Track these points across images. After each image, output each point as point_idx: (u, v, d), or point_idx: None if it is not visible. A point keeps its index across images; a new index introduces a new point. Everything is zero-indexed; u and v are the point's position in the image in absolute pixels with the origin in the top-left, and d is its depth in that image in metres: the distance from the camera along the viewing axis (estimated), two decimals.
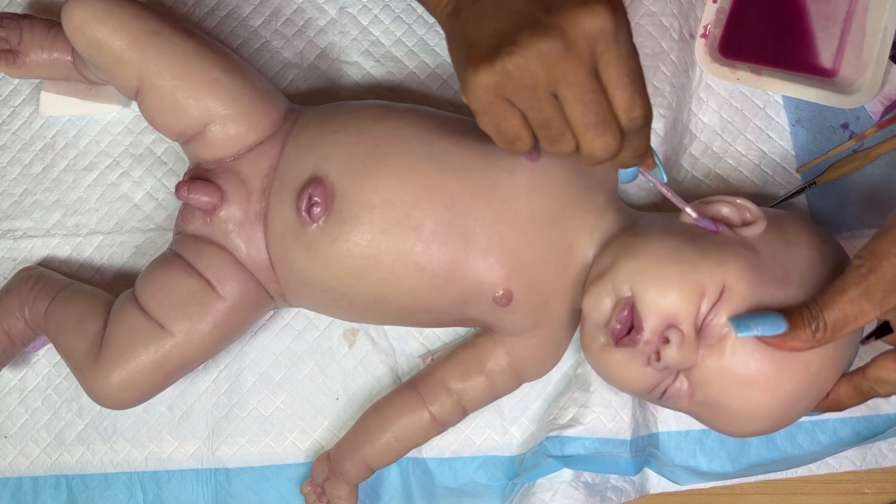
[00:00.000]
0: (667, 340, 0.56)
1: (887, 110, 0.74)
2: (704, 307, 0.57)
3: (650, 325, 0.57)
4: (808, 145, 0.75)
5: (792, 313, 0.54)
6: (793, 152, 0.75)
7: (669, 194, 0.60)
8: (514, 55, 0.47)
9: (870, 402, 0.71)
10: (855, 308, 0.52)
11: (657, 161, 0.56)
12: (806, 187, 0.74)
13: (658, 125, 0.72)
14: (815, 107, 0.75)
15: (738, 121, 0.76)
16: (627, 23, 0.48)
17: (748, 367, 0.56)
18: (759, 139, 0.75)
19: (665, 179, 0.59)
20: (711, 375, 0.57)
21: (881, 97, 0.74)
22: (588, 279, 0.62)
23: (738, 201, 0.62)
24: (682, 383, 0.59)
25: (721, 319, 0.56)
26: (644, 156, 0.53)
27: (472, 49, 0.48)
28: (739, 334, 0.55)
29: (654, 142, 0.71)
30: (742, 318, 0.55)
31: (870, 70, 0.71)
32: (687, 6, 0.74)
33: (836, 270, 0.59)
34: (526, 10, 0.47)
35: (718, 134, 0.76)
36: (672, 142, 0.73)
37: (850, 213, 0.74)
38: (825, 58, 0.75)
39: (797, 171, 0.75)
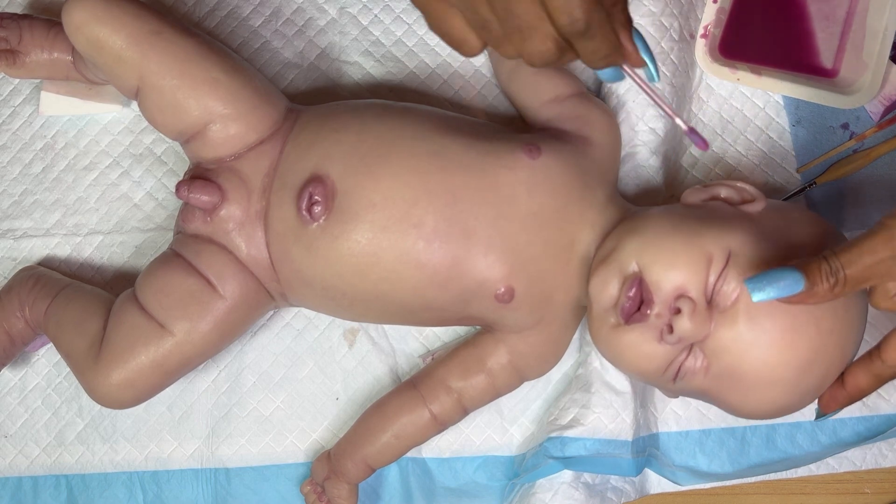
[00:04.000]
0: (678, 311, 0.56)
1: (887, 110, 0.74)
2: (713, 275, 0.57)
3: (660, 296, 0.57)
4: (809, 145, 0.75)
5: (809, 268, 0.52)
6: (793, 152, 0.75)
7: (655, 98, 0.51)
8: None
9: (869, 402, 0.72)
10: (882, 268, 0.51)
11: (647, 59, 0.49)
12: (806, 187, 0.74)
13: (658, 126, 0.72)
14: (815, 107, 0.75)
15: (738, 121, 0.76)
16: None
17: (763, 328, 0.56)
18: (759, 139, 0.76)
19: (656, 79, 0.50)
20: (726, 343, 0.57)
21: (881, 97, 0.74)
22: (592, 265, 0.62)
23: (738, 184, 0.63)
24: (696, 358, 0.58)
25: (730, 286, 0.56)
26: (611, 57, 0.47)
27: None
28: (756, 299, 0.52)
29: (655, 142, 0.72)
30: (757, 280, 0.52)
31: (870, 70, 0.71)
32: (687, 6, 0.74)
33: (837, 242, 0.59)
34: None
35: (719, 134, 0.76)
36: (672, 142, 0.73)
37: (851, 213, 0.74)
38: (825, 58, 0.75)
39: (797, 171, 0.75)
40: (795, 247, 0.58)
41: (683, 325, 0.56)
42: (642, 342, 0.58)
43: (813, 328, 0.56)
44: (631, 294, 0.58)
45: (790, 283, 0.52)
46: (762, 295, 0.52)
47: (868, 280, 0.51)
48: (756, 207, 0.62)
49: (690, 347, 0.58)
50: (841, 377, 0.59)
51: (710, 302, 0.57)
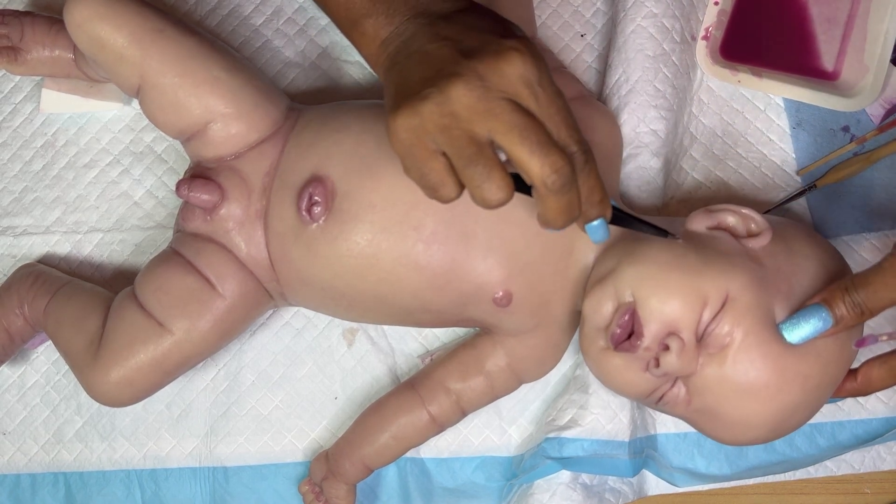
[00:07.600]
0: (667, 348, 0.56)
1: (888, 113, 0.74)
2: (706, 316, 0.57)
3: (651, 331, 0.57)
4: (809, 148, 0.75)
5: (834, 302, 0.54)
6: (793, 155, 0.75)
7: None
8: (431, 97, 0.47)
9: (867, 404, 0.72)
10: None
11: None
12: (806, 190, 0.74)
13: (659, 127, 0.71)
14: (815, 109, 0.75)
15: (738, 123, 0.76)
16: (546, 67, 0.48)
17: (748, 376, 0.56)
18: (759, 142, 0.75)
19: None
20: (710, 384, 0.57)
21: (882, 100, 0.74)
22: (589, 282, 0.62)
23: (744, 211, 0.61)
24: (679, 390, 0.59)
25: (724, 329, 0.56)
26: (604, 202, 0.51)
27: (397, 95, 0.49)
28: (794, 341, 0.55)
29: (655, 144, 0.71)
30: (791, 322, 0.55)
31: (871, 73, 0.71)
32: (688, 8, 0.74)
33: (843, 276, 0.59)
34: (449, 57, 0.48)
35: (719, 136, 0.76)
36: (672, 144, 0.73)
37: (851, 216, 0.74)
38: (826, 60, 0.75)
39: (798, 173, 0.75)
40: (796, 292, 0.58)
41: (670, 361, 0.56)
42: (628, 369, 0.58)
43: (798, 386, 0.57)
44: (622, 323, 0.58)
45: (820, 320, 0.54)
46: (799, 334, 0.55)
47: (886, 307, 0.54)
48: (761, 242, 0.60)
49: (675, 379, 0.59)
50: (853, 371, 0.59)
51: (701, 341, 0.57)
